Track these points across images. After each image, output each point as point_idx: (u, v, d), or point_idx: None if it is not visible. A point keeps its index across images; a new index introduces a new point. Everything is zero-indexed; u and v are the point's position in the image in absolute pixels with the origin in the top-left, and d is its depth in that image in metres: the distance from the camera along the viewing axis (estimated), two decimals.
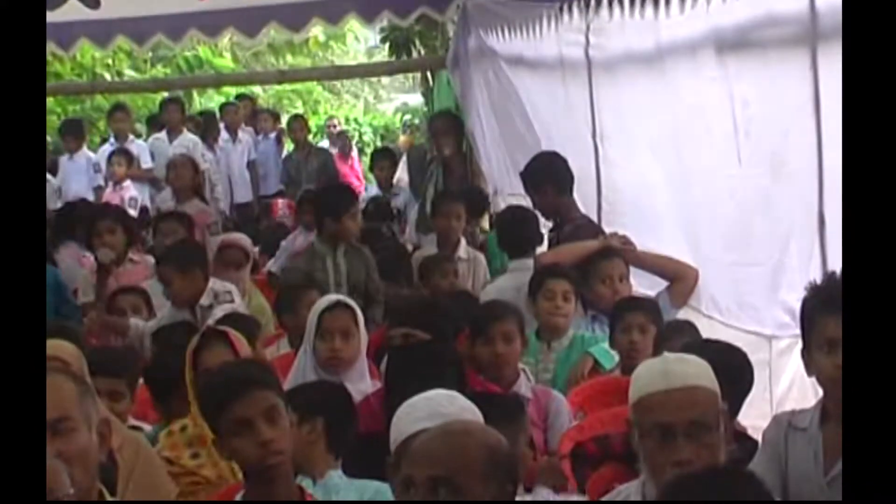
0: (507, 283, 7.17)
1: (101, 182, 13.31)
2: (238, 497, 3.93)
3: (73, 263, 8.98)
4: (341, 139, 17.79)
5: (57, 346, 4.82)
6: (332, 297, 5.87)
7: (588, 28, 7.46)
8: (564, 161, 7.53)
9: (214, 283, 7.34)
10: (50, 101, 17.71)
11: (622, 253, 6.77)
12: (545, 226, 7.68)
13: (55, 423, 3.47)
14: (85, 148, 13.84)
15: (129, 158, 13.13)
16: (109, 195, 12.67)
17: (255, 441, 3.77)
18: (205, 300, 7.25)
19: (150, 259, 8.42)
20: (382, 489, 4.25)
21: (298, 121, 15.29)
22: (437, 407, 3.74)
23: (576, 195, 7.57)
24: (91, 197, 13.22)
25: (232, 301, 7.31)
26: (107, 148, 13.75)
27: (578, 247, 6.91)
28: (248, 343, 6.21)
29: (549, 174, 7.49)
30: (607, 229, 7.26)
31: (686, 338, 5.28)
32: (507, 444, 3.38)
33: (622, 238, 6.92)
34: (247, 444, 3.78)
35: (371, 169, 13.49)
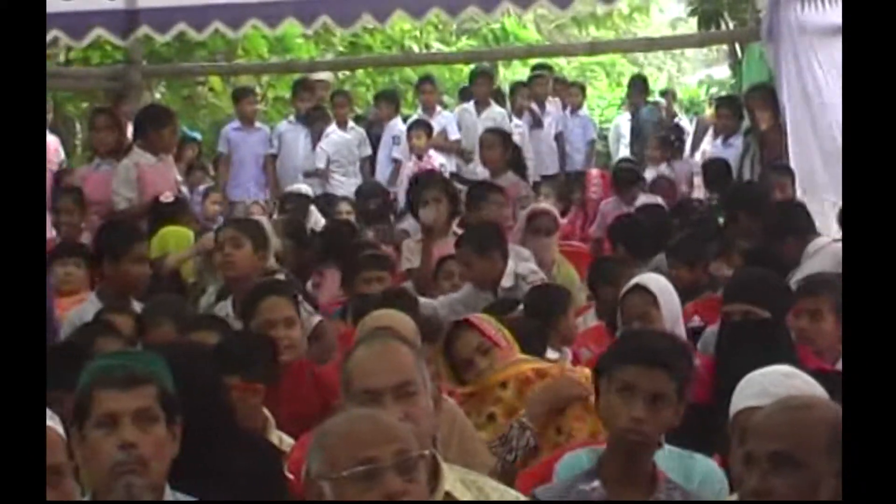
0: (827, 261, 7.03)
1: (399, 155, 13.55)
2: None
3: None
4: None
5: (392, 316, 4.97)
6: (635, 279, 5.84)
7: None
8: None
9: (518, 266, 7.37)
10: (359, 73, 18.22)
11: None
12: None
13: (400, 386, 3.58)
14: (398, 118, 14.14)
15: (429, 130, 13.30)
16: (413, 168, 12.84)
17: (630, 415, 3.82)
18: (507, 281, 7.26)
19: None
20: (704, 463, 4.24)
21: (638, 82, 15.35)
22: (769, 386, 3.71)
23: None
24: (388, 169, 13.55)
25: (542, 278, 7.35)
26: (413, 119, 14.01)
27: None
28: (560, 313, 6.28)
29: None
30: None
31: None
32: None
33: None
34: (622, 415, 3.83)
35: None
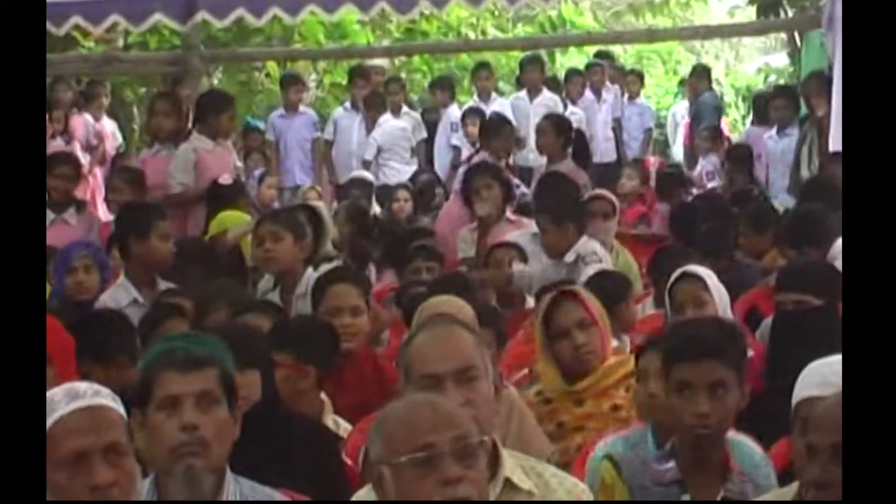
0: None
1: (458, 142, 13.53)
2: None
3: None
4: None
5: (451, 302, 4.98)
6: (681, 269, 5.84)
7: None
8: None
9: (578, 245, 7.41)
10: (416, 59, 18.24)
11: None
12: None
13: (461, 371, 3.56)
14: (455, 105, 14.13)
15: (483, 117, 13.27)
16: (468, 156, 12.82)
17: (694, 411, 3.80)
18: (569, 257, 7.33)
19: (526, 220, 8.55)
20: (748, 448, 4.20)
21: (700, 69, 15.33)
22: (832, 375, 3.66)
23: None
24: (449, 155, 13.54)
25: (599, 261, 7.37)
26: (467, 107, 13.99)
27: None
28: (622, 300, 6.27)
29: None
30: None
31: None
32: None
33: None
34: (686, 412, 3.82)
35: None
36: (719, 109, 14.79)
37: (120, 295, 6.70)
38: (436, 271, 7.42)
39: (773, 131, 12.03)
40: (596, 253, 7.43)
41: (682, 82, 17.36)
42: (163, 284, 6.85)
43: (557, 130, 10.12)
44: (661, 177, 11.21)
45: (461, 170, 12.99)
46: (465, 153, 12.90)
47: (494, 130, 9.96)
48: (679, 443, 3.87)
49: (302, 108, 13.77)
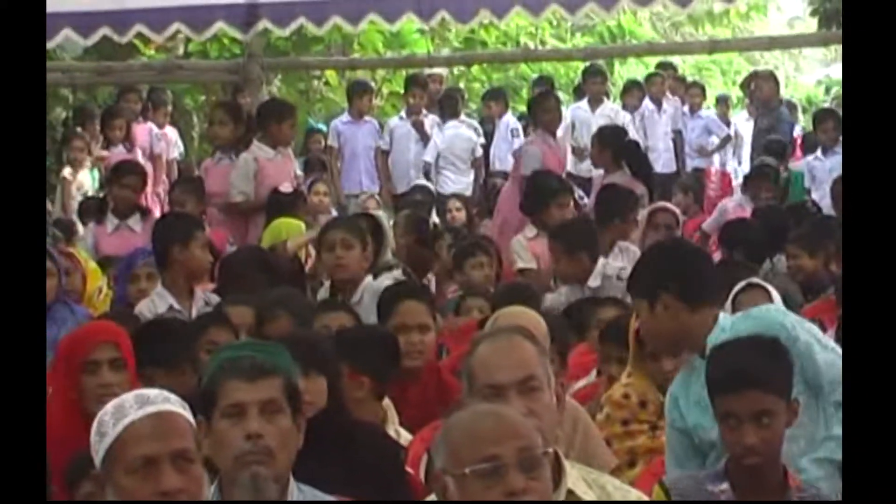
0: None
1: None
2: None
3: None
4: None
5: (526, 315, 4.98)
6: (747, 279, 5.78)
7: None
8: None
9: (607, 267, 7.39)
10: (475, 69, 18.25)
11: None
12: None
13: (523, 381, 3.58)
14: (509, 114, 14.15)
15: None
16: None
17: (742, 443, 3.76)
18: (594, 282, 7.30)
19: None
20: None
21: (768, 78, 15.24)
22: None
23: None
24: (511, 161, 13.55)
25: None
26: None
27: None
28: None
29: None
30: None
31: None
32: None
33: None
34: (735, 444, 3.78)
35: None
36: (792, 127, 14.71)
37: (157, 303, 6.72)
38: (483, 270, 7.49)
39: (819, 152, 12.06)
40: (626, 268, 7.40)
41: (718, 101, 17.23)
42: (199, 293, 6.87)
43: (602, 143, 9.94)
44: (756, 166, 11.17)
45: (516, 145, 13.14)
46: None
47: (541, 105, 9.97)
48: (732, 467, 3.83)
49: (366, 116, 13.76)
